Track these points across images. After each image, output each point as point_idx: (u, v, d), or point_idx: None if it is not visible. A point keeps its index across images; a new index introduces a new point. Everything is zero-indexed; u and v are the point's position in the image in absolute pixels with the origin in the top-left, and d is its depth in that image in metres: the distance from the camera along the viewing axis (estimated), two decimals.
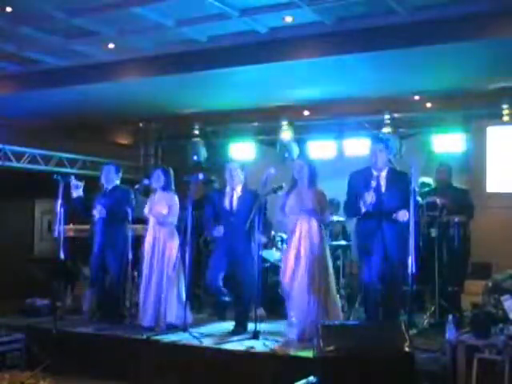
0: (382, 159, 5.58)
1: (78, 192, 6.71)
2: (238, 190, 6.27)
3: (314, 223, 5.79)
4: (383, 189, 5.55)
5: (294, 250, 5.78)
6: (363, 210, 5.46)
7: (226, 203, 6.23)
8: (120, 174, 6.96)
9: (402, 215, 5.37)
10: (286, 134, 9.32)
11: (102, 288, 6.80)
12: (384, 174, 5.60)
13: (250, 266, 6.08)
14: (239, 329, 6.08)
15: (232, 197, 6.25)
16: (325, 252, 5.81)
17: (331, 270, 5.87)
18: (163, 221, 6.38)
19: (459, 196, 6.74)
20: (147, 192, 6.74)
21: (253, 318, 5.91)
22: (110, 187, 6.83)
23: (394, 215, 5.41)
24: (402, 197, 5.43)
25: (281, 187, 5.93)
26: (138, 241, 6.65)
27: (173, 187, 6.55)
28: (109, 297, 6.77)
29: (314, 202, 5.82)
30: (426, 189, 6.90)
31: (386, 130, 8.51)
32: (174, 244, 6.38)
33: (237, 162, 6.62)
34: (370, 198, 5.41)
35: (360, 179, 5.64)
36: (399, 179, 5.58)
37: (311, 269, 5.67)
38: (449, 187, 6.83)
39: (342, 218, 7.16)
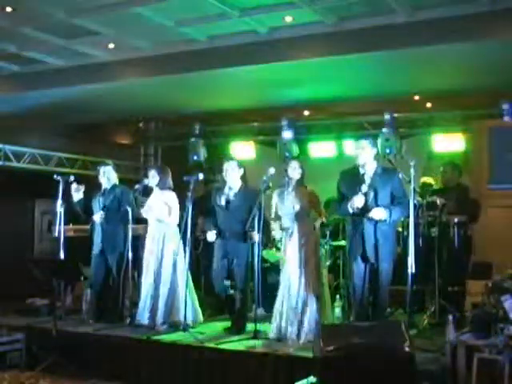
0: (364, 157, 5.50)
1: (78, 195, 6.72)
2: (236, 187, 6.27)
3: (306, 223, 5.85)
4: (368, 188, 5.42)
5: (288, 250, 5.84)
6: (350, 211, 5.43)
7: (223, 201, 6.24)
8: (117, 174, 6.96)
9: (377, 213, 5.33)
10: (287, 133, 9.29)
11: (101, 288, 6.81)
12: (371, 172, 5.51)
13: (244, 264, 6.16)
14: (238, 330, 6.09)
15: (229, 195, 6.26)
16: (316, 253, 5.88)
17: (323, 271, 5.93)
18: (164, 221, 6.39)
19: (466, 194, 6.74)
20: (147, 192, 6.74)
21: (250, 317, 5.95)
22: (109, 187, 6.83)
23: (369, 214, 5.34)
24: (388, 195, 5.43)
25: (268, 187, 5.94)
26: (138, 240, 6.65)
27: (170, 185, 6.55)
28: (109, 297, 6.78)
29: (305, 201, 5.87)
30: (433, 188, 6.87)
31: (386, 130, 8.49)
32: (175, 243, 6.38)
33: (234, 159, 6.56)
34: (358, 202, 5.34)
35: (347, 178, 5.62)
36: (386, 177, 5.51)
37: (299, 269, 5.76)
38: (458, 186, 6.80)
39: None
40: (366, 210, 5.37)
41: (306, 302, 5.74)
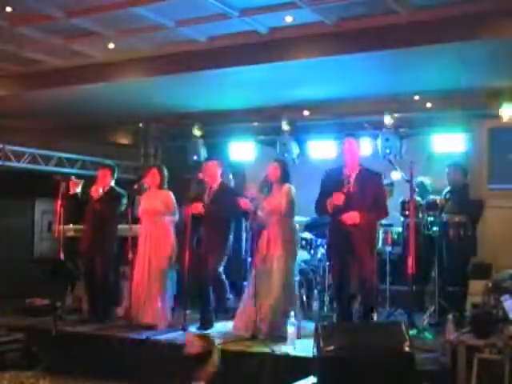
0: (351, 157, 5.57)
1: (75, 189, 6.75)
2: (214, 186, 6.42)
3: (283, 222, 5.91)
4: (352, 189, 5.46)
5: (263, 250, 5.93)
6: (329, 209, 5.42)
7: (205, 199, 6.40)
8: (116, 175, 6.99)
9: (348, 218, 5.34)
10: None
11: (93, 286, 6.82)
12: (354, 174, 5.54)
13: (218, 261, 6.30)
14: (205, 325, 6.22)
15: (209, 193, 6.41)
16: (290, 252, 5.93)
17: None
18: (160, 219, 6.43)
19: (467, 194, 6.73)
20: (144, 192, 6.77)
21: None
22: (106, 189, 6.86)
23: (341, 218, 5.35)
24: (372, 198, 5.45)
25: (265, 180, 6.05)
26: (137, 240, 6.65)
27: (166, 185, 6.64)
28: (105, 296, 6.80)
29: (283, 200, 5.95)
30: (445, 191, 6.86)
31: (386, 130, 8.49)
32: (169, 241, 6.41)
33: (214, 159, 6.68)
34: (337, 199, 5.34)
35: (331, 178, 5.64)
36: (370, 180, 5.55)
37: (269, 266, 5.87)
38: (465, 187, 6.80)
39: None
40: (347, 208, 5.38)
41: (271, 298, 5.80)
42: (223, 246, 6.37)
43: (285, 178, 6.04)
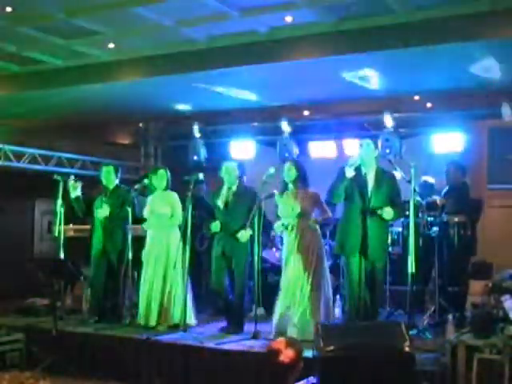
0: (368, 156, 5.72)
1: (76, 192, 6.74)
2: (234, 188, 6.33)
3: (307, 224, 5.90)
4: (370, 187, 5.68)
5: (288, 251, 5.91)
6: (347, 171, 5.59)
7: (221, 202, 6.29)
8: (119, 174, 6.99)
9: (387, 213, 5.55)
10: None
11: (102, 288, 6.81)
12: (372, 173, 5.74)
13: (243, 264, 6.19)
14: (235, 328, 6.11)
15: (228, 195, 6.31)
16: (319, 254, 5.91)
17: (325, 271, 5.96)
18: (167, 221, 6.42)
19: (467, 194, 6.74)
20: (146, 192, 6.76)
21: (250, 317, 5.97)
22: (110, 188, 6.86)
23: (380, 212, 5.55)
24: (388, 196, 5.66)
25: (272, 195, 6.04)
26: (138, 241, 6.65)
27: (170, 186, 6.63)
28: (108, 297, 6.79)
29: (307, 202, 5.92)
30: (444, 190, 6.86)
31: (386, 130, 8.49)
32: (177, 243, 6.41)
33: (233, 160, 6.63)
34: (353, 160, 5.62)
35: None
36: (385, 179, 5.74)
37: (301, 270, 5.81)
38: (464, 185, 6.80)
39: None
40: (365, 206, 5.58)
41: (306, 301, 5.75)
42: (247, 254, 6.25)
43: (303, 179, 6.03)
